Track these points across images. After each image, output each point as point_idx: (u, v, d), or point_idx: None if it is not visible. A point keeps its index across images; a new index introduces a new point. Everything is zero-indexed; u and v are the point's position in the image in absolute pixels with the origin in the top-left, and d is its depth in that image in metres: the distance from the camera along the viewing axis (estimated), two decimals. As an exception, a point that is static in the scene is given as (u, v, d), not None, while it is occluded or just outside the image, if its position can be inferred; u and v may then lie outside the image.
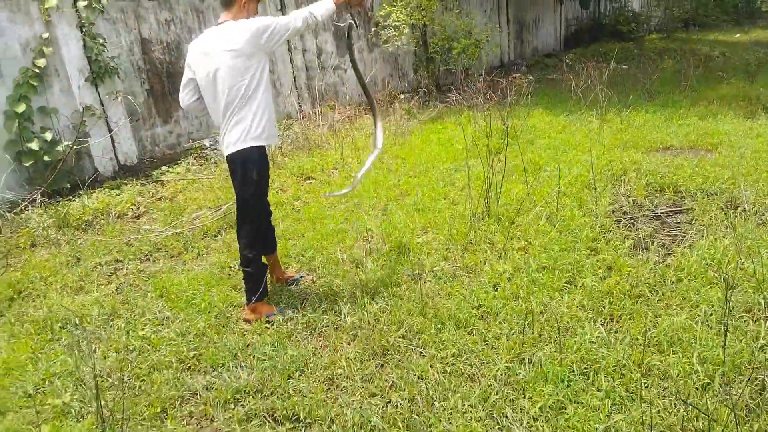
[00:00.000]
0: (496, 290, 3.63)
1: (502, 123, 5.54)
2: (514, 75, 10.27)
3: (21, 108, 5.93)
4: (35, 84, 6.08)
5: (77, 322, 3.61)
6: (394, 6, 10.02)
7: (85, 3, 6.38)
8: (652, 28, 21.58)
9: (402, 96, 9.62)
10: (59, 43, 6.26)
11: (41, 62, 6.09)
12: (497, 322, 3.29)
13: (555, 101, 9.72)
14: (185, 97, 3.45)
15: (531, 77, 11.37)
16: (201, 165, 7.10)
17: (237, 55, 3.13)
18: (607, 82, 8.60)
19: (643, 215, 4.74)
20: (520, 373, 2.82)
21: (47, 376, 3.11)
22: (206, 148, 7.49)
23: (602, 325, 3.17)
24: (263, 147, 3.35)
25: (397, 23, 9.81)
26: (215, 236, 5.02)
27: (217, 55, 3.15)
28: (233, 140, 3.27)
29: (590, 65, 9.59)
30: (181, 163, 7.10)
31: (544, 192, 5.19)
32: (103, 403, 2.56)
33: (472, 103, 8.19)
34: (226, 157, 3.36)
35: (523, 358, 2.95)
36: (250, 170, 3.32)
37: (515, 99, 6.41)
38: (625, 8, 20.52)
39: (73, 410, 2.82)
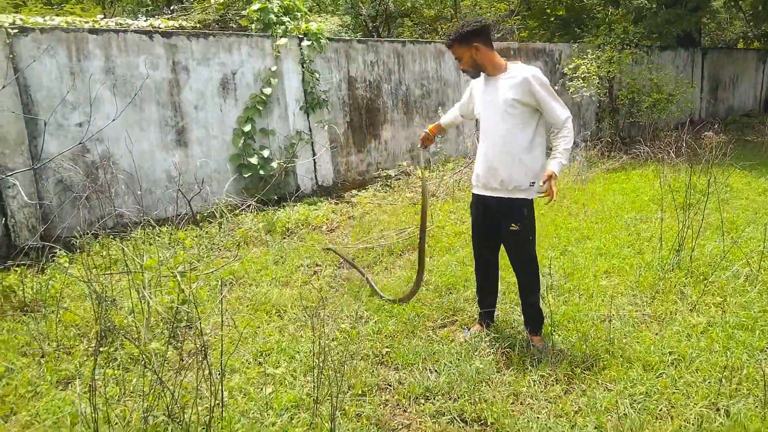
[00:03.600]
0: (689, 340, 3.53)
1: (698, 178, 5.35)
2: (706, 133, 9.75)
3: (247, 128, 6.93)
4: (260, 108, 7.06)
5: (287, 309, 4.13)
6: (584, 59, 10.09)
7: (309, 43, 7.31)
8: None
9: (583, 144, 9.56)
10: (283, 75, 7.22)
11: (267, 90, 7.07)
12: (690, 370, 3.21)
13: (754, 163, 9.03)
14: None
15: (725, 136, 10.67)
16: (386, 192, 7.66)
17: None
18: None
19: None
20: (716, 420, 2.75)
21: (264, 350, 3.60)
22: (391, 178, 8.07)
23: (813, 392, 2.96)
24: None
25: (587, 74, 9.84)
26: (400, 255, 5.41)
27: None
28: None
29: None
30: (368, 188, 7.74)
31: (743, 252, 4.89)
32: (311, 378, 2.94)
33: (660, 156, 7.94)
34: None
35: (719, 408, 2.87)
36: None
37: (711, 156, 6.14)
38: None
39: (286, 380, 3.25)
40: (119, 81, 6.11)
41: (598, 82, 10.08)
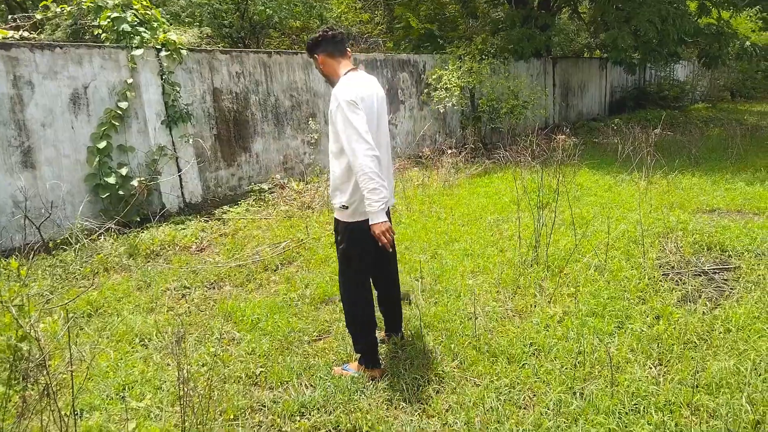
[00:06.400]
0: (547, 330, 3.79)
1: (551, 178, 5.78)
2: (559, 136, 10.57)
3: (102, 144, 6.48)
4: (116, 124, 6.64)
5: (152, 337, 3.90)
6: (446, 69, 10.57)
7: (167, 53, 7.00)
8: (697, 98, 21.79)
9: (449, 151, 9.99)
10: (141, 88, 6.85)
11: (124, 104, 6.66)
12: (549, 359, 3.44)
13: (601, 162, 9.92)
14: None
15: (576, 139, 11.63)
16: (260, 206, 7.51)
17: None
18: (654, 147, 8.79)
19: (690, 271, 4.83)
20: (572, 404, 2.96)
21: (127, 383, 3.37)
22: (265, 191, 7.92)
23: (652, 367, 3.28)
24: None
25: (449, 85, 10.30)
26: (275, 270, 5.31)
27: (384, 102, 3.28)
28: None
29: (638, 129, 9.83)
30: (241, 203, 7.54)
31: (592, 244, 5.34)
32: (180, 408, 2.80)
33: (518, 160, 8.48)
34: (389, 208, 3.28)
35: (575, 392, 3.09)
36: None
37: (562, 158, 6.68)
38: (670, 77, 20.82)
39: (152, 413, 3.06)
40: (-52, 98, 5.49)
41: (460, 92, 10.58)
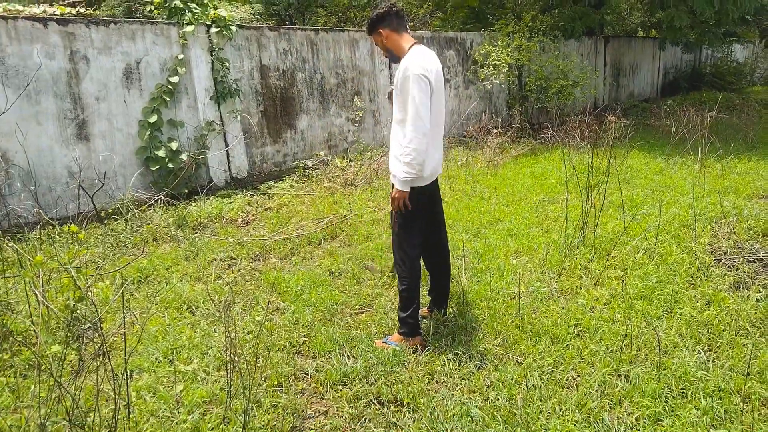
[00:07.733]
0: (593, 312, 3.72)
1: (600, 160, 5.63)
2: (609, 117, 10.27)
3: (153, 119, 6.63)
4: (167, 99, 6.78)
5: (199, 304, 4.01)
6: (495, 46, 10.37)
7: (217, 30, 7.08)
8: (756, 80, 20.83)
9: (495, 131, 9.84)
10: (191, 64, 6.96)
11: (174, 79, 6.79)
12: (594, 340, 3.38)
13: (652, 144, 9.62)
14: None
15: (626, 120, 11.29)
16: (304, 182, 7.58)
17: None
18: (708, 129, 8.45)
19: (744, 257, 4.66)
20: (617, 385, 2.91)
21: (175, 347, 3.48)
22: (308, 168, 7.99)
23: (701, 352, 3.19)
24: None
25: (497, 62, 10.12)
26: (318, 244, 5.37)
27: (441, 76, 3.28)
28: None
29: (692, 111, 9.46)
30: (285, 179, 7.62)
31: (642, 228, 5.20)
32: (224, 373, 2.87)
33: (566, 140, 8.30)
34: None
35: (620, 374, 3.03)
36: None
37: (612, 139, 6.49)
38: (728, 58, 19.92)
39: (198, 376, 3.15)
40: (10, 72, 5.69)
41: (508, 70, 10.38)
